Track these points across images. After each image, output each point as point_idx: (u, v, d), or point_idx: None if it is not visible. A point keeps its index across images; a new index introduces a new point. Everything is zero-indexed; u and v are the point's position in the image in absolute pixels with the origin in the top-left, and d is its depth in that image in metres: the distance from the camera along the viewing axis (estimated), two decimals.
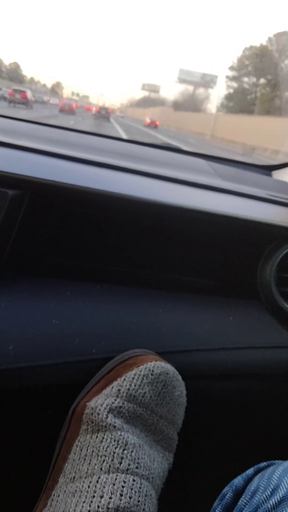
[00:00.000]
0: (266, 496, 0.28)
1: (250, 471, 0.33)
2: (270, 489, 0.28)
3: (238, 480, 0.33)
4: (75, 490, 0.30)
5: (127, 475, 0.31)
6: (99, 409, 0.34)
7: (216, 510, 0.32)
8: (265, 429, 0.52)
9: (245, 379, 0.47)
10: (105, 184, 0.47)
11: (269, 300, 0.52)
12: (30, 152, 0.54)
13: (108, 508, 0.28)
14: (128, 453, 0.32)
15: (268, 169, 0.92)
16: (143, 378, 0.36)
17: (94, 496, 0.29)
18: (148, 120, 23.98)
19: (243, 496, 0.30)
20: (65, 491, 0.31)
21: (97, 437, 0.33)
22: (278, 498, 0.27)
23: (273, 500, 0.27)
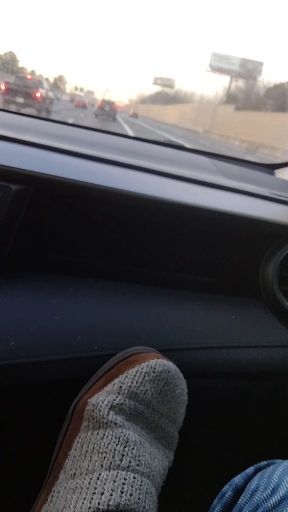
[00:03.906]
0: (266, 495, 0.28)
1: (250, 470, 0.33)
2: (270, 489, 0.28)
3: (238, 479, 0.33)
4: (76, 487, 0.30)
5: (128, 472, 0.30)
6: (101, 406, 0.34)
7: (216, 509, 0.32)
8: (265, 428, 0.52)
9: (247, 378, 0.47)
10: (108, 180, 0.46)
11: (271, 299, 0.52)
12: (34, 147, 0.53)
13: (108, 505, 0.28)
14: (129, 450, 0.32)
15: (270, 168, 0.91)
16: (144, 376, 0.36)
17: (94, 493, 0.29)
18: (131, 112, 25.04)
19: (243, 495, 0.30)
20: (65, 487, 0.31)
21: (98, 434, 0.33)
22: (279, 497, 0.27)
23: (273, 499, 0.27)
